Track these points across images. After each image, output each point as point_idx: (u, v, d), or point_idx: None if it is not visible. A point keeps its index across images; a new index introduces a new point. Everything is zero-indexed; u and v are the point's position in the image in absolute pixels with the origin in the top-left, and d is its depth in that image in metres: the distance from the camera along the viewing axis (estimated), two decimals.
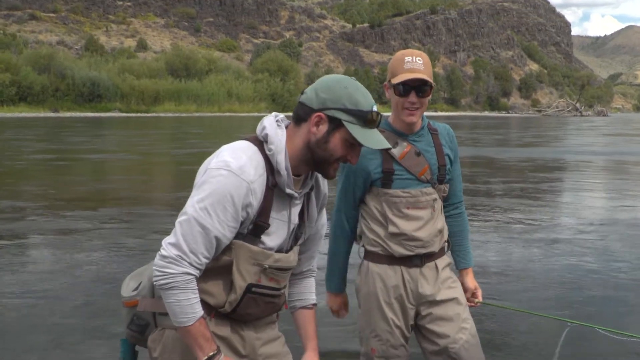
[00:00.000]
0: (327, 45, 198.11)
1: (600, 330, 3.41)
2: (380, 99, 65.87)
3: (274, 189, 2.40)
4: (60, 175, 19.13)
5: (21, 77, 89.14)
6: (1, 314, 6.28)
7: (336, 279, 3.49)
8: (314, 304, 2.82)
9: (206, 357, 2.35)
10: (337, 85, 2.35)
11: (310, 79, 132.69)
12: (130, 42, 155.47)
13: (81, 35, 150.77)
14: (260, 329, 2.64)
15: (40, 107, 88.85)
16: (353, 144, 2.37)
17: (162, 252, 2.32)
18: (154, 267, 2.34)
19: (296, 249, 2.61)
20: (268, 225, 2.42)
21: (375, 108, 2.37)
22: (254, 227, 2.40)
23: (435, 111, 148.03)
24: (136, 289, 2.60)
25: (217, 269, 2.42)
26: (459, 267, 3.56)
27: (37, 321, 6.04)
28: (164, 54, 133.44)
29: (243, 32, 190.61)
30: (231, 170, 2.30)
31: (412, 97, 3.15)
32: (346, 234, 3.41)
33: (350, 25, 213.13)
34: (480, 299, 3.56)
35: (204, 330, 2.36)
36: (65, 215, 11.83)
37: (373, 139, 2.36)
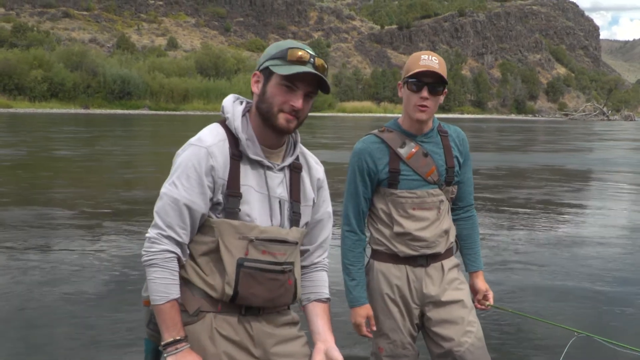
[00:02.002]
0: (355, 46, 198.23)
1: (602, 342, 3.45)
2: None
3: (239, 159, 2.47)
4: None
5: (53, 73, 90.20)
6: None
7: (361, 289, 3.35)
8: (328, 298, 2.75)
9: (171, 339, 2.38)
10: (272, 46, 2.50)
11: (338, 80, 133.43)
12: (161, 41, 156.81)
13: (113, 34, 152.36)
14: (276, 327, 2.59)
15: (71, 104, 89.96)
16: (289, 87, 2.40)
17: (147, 235, 2.45)
18: (143, 250, 2.47)
19: (296, 229, 2.60)
20: (240, 194, 2.45)
21: (301, 47, 2.42)
22: (228, 202, 2.44)
23: (462, 113, 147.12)
24: None
25: (208, 255, 2.49)
26: (469, 270, 3.56)
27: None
28: (193, 53, 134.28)
29: (272, 32, 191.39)
30: (190, 143, 2.46)
31: (425, 93, 3.16)
32: (360, 239, 3.40)
33: (378, 27, 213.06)
34: (491, 301, 3.53)
35: (175, 314, 2.41)
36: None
37: (291, 69, 2.38)
